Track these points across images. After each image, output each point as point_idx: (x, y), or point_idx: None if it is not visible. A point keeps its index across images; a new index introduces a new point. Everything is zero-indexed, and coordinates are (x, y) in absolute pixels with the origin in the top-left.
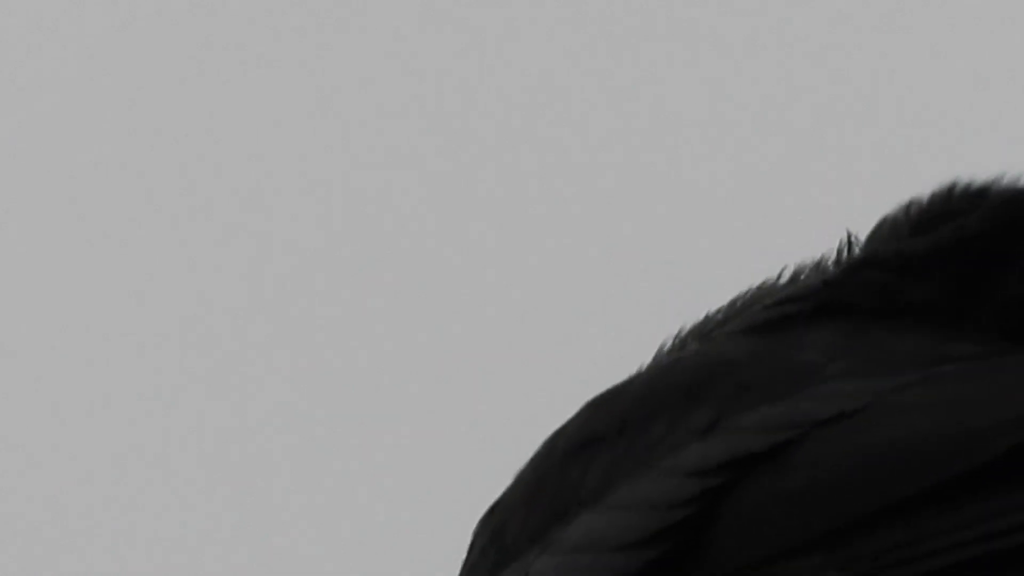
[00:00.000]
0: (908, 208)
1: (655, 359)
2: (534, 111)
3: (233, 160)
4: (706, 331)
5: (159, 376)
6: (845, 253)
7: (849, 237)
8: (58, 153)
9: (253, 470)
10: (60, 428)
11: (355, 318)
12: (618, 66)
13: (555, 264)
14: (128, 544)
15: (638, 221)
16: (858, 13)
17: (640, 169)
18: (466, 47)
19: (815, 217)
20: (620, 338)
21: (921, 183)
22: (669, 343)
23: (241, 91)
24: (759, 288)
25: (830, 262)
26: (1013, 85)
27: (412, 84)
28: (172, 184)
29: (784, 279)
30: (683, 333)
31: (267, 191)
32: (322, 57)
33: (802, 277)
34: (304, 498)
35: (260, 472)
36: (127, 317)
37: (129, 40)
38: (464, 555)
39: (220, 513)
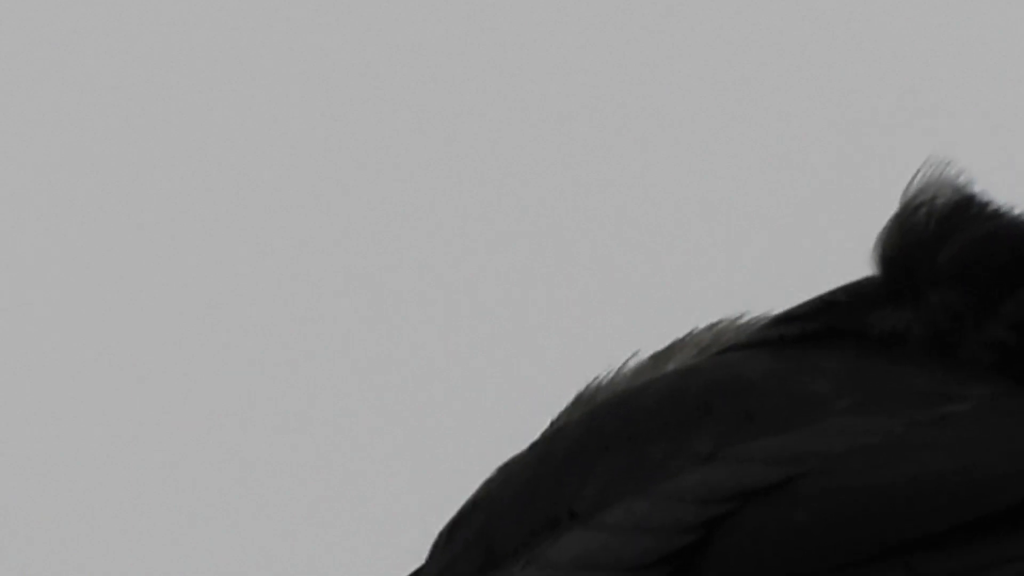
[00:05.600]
0: (915, 217)
1: (636, 366)
2: (532, 112)
3: (232, 160)
4: (706, 344)
5: (157, 376)
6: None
7: None
8: (57, 152)
9: (252, 469)
10: (59, 428)
11: (354, 317)
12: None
13: (552, 264)
14: (127, 544)
15: (635, 224)
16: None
17: (635, 172)
18: (464, 46)
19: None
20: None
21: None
22: (646, 354)
23: (240, 91)
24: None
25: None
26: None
27: (411, 84)
28: (168, 184)
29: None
30: (679, 343)
31: (265, 191)
32: (321, 57)
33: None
34: (303, 498)
35: (258, 471)
36: (125, 317)
37: (129, 40)
38: (437, 542)
39: (219, 513)
